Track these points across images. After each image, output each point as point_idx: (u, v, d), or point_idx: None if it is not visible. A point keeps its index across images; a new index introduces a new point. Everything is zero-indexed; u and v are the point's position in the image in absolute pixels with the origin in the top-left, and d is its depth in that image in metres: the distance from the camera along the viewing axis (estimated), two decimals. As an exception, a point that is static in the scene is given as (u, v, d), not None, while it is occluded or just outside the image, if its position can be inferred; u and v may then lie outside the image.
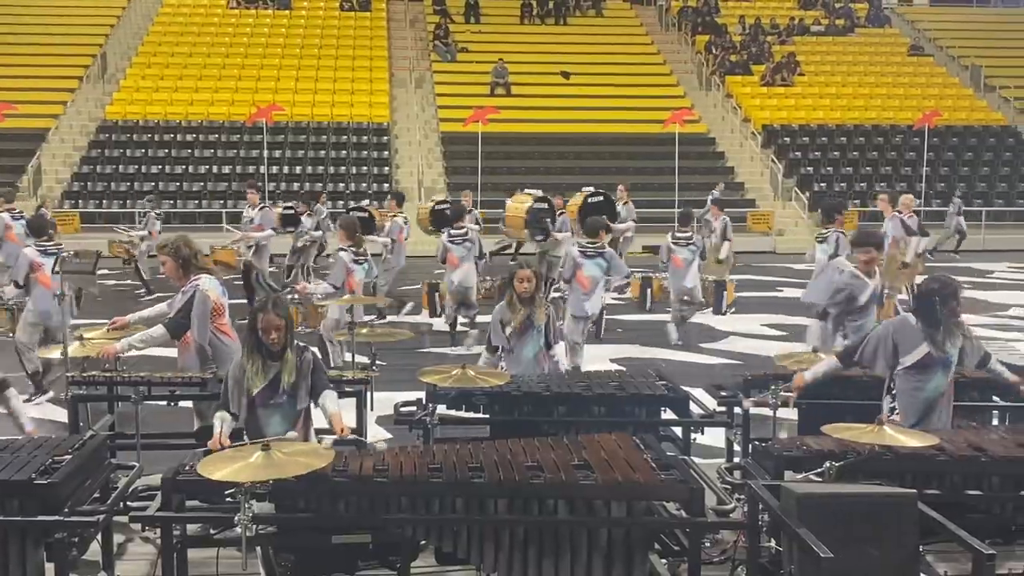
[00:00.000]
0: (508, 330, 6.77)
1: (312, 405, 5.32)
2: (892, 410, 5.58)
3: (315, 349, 5.59)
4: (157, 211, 18.67)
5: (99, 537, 4.87)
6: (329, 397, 5.27)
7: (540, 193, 14.86)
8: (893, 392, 5.63)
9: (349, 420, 6.39)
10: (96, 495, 5.05)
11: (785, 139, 28.55)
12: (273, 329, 5.04)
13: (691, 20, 34.06)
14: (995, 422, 6.63)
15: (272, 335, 5.05)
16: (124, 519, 5.32)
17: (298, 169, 26.05)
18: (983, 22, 36.49)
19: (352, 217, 11.69)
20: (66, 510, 4.61)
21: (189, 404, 6.78)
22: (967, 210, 23.61)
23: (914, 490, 4.62)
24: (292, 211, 16.60)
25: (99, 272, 7.94)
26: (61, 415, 7.48)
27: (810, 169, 27.50)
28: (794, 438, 5.45)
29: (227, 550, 4.94)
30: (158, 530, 4.80)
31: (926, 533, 4.55)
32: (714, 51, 32.19)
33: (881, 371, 5.73)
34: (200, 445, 6.23)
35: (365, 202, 19.22)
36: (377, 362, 7.65)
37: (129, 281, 18.09)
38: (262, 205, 15.29)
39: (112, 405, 6.95)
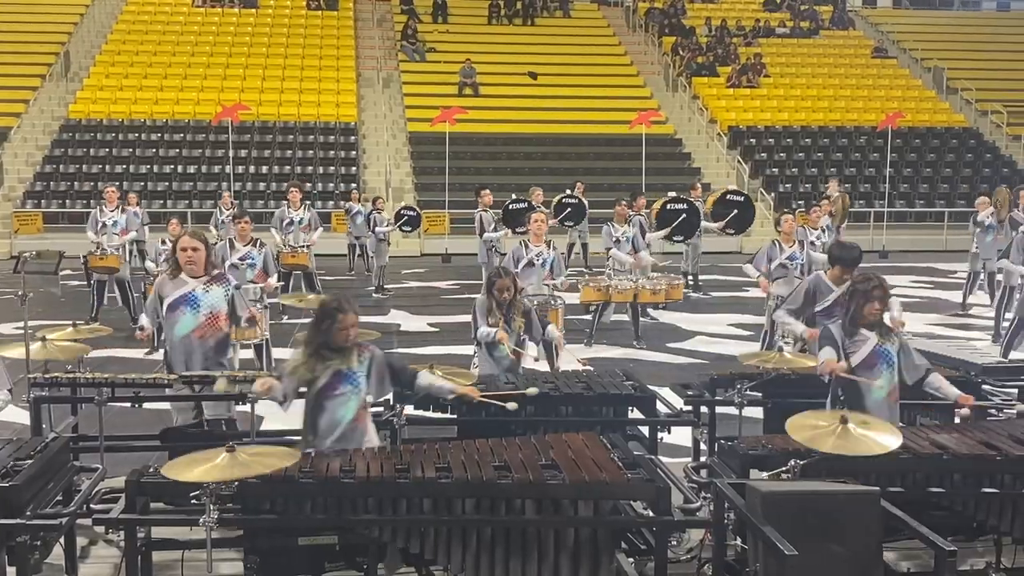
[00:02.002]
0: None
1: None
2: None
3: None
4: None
5: (62, 540, 4.83)
6: (422, 376, 5.43)
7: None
8: (841, 397, 5.69)
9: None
10: (59, 498, 5.01)
11: (751, 140, 28.77)
12: (352, 327, 5.13)
13: (658, 22, 34.22)
14: (956, 420, 6.64)
15: (351, 332, 5.14)
16: (88, 522, 5.29)
17: (264, 169, 25.89)
18: (945, 25, 36.94)
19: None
20: (28, 513, 4.56)
21: (153, 405, 6.80)
22: (932, 211, 23.67)
23: (877, 488, 4.66)
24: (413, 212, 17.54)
25: (62, 273, 7.86)
26: (23, 417, 7.30)
27: (775, 170, 27.73)
28: (759, 437, 5.50)
29: (192, 552, 4.90)
30: (122, 533, 4.76)
31: (889, 530, 4.59)
32: (681, 52, 32.36)
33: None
34: (164, 447, 6.22)
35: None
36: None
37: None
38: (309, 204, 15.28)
39: (75, 407, 6.90)
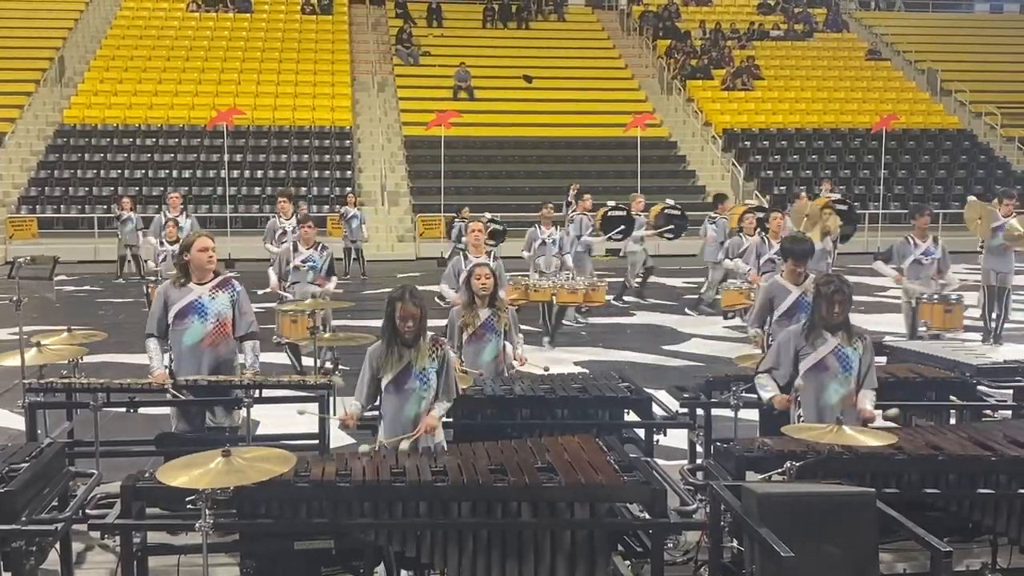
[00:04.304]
0: (466, 333, 6.76)
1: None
2: (799, 417, 5.60)
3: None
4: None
5: (58, 546, 4.81)
6: (439, 406, 5.40)
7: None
8: (797, 398, 5.66)
9: (311, 426, 6.41)
10: (54, 503, 4.99)
11: (745, 143, 28.81)
12: (410, 318, 5.16)
13: (652, 25, 34.26)
14: (952, 421, 6.72)
15: (408, 323, 5.17)
16: (83, 527, 5.26)
17: (259, 173, 25.85)
18: (939, 27, 37.03)
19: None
20: (23, 518, 4.54)
21: (149, 410, 6.72)
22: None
23: (873, 489, 4.66)
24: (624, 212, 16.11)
25: (56, 278, 7.84)
26: (18, 422, 7.32)
27: (770, 172, 27.77)
28: (755, 439, 5.50)
29: (188, 557, 4.90)
30: (117, 538, 4.75)
31: (885, 531, 4.60)
32: (675, 56, 32.40)
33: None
34: (160, 452, 6.19)
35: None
36: (340, 367, 7.63)
37: (87, 287, 17.93)
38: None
39: (70, 412, 6.88)
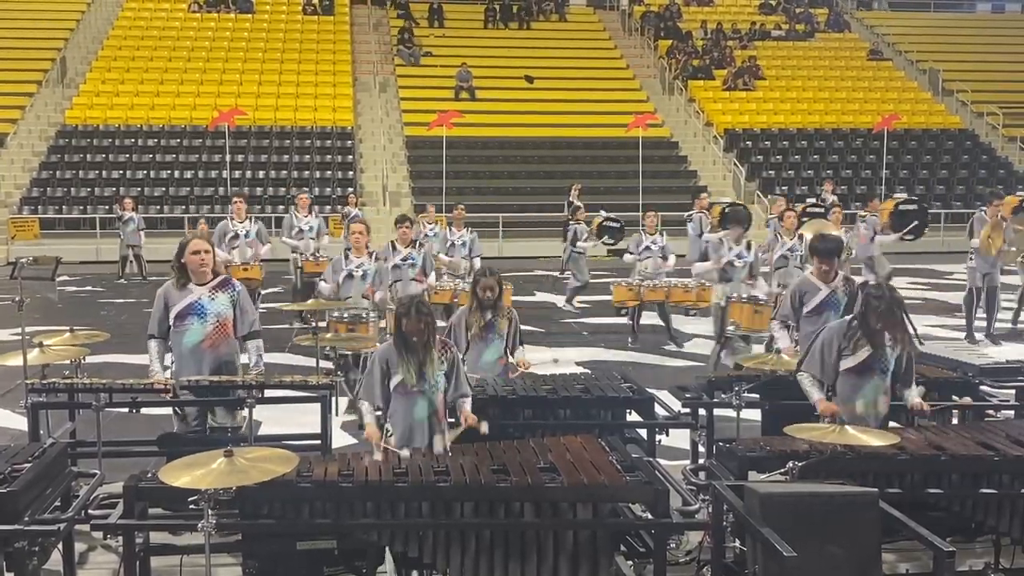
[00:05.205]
0: (470, 334, 6.80)
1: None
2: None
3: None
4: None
5: (60, 546, 4.82)
6: (467, 402, 5.51)
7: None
8: (831, 395, 5.67)
9: (313, 426, 6.41)
10: (57, 503, 5.00)
11: (747, 143, 28.85)
12: (416, 333, 5.25)
13: (654, 25, 34.31)
14: (955, 421, 6.70)
15: (414, 338, 5.26)
16: (86, 527, 5.28)
17: (261, 174, 25.92)
18: (941, 27, 37.06)
19: None
20: (26, 519, 4.55)
21: (151, 411, 6.70)
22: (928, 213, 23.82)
23: (876, 489, 4.66)
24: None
25: (59, 279, 7.86)
26: (21, 423, 7.32)
27: (772, 172, 27.79)
28: (757, 439, 5.51)
29: (190, 557, 4.92)
30: (120, 538, 4.76)
31: (888, 531, 4.60)
32: (677, 56, 32.44)
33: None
34: (162, 453, 6.19)
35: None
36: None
37: (89, 287, 17.96)
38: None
39: (73, 412, 6.87)
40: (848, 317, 5.80)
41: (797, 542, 4.14)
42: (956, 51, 34.44)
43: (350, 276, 9.36)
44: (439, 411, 5.37)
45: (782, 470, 4.81)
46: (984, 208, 12.82)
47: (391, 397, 5.35)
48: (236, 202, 13.05)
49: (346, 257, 9.54)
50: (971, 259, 12.55)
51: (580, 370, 9.20)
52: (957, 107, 31.37)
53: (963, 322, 12.83)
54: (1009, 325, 13.33)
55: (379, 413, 5.38)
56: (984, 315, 12.62)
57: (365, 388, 5.44)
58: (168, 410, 6.79)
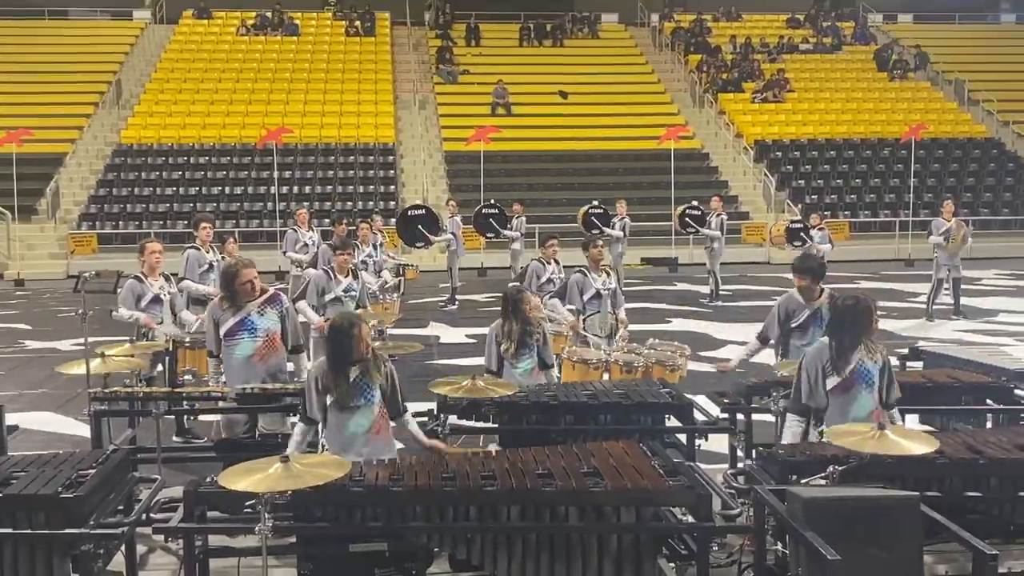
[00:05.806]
0: (503, 347, 6.96)
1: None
2: (820, 434, 5.55)
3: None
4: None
5: (123, 549, 4.90)
6: (407, 417, 5.50)
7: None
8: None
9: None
10: (120, 508, 5.09)
11: (776, 153, 28.99)
12: (348, 349, 5.27)
13: (684, 40, 34.56)
14: (988, 425, 6.71)
15: (348, 353, 5.28)
16: (147, 530, 5.42)
17: (307, 189, 26.38)
18: (966, 38, 36.86)
19: None
20: (91, 523, 4.65)
21: (208, 418, 6.93)
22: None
23: (916, 492, 4.67)
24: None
25: (120, 292, 8.06)
26: (84, 429, 7.46)
27: (801, 182, 27.89)
28: (797, 443, 5.52)
29: (247, 559, 5.04)
30: (180, 541, 4.90)
31: (927, 534, 4.62)
32: (706, 70, 32.67)
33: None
34: (219, 457, 6.34)
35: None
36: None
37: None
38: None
39: (133, 420, 7.02)
40: (824, 338, 5.78)
41: (840, 545, 4.16)
42: (981, 61, 34.22)
43: (337, 300, 9.03)
44: (375, 425, 5.34)
45: (823, 474, 4.82)
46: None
47: (328, 412, 5.34)
48: (204, 227, 10.70)
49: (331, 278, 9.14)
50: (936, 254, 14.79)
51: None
52: (983, 116, 31.18)
53: (995, 327, 13.62)
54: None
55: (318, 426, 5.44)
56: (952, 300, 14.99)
57: (307, 407, 5.42)
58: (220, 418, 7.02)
